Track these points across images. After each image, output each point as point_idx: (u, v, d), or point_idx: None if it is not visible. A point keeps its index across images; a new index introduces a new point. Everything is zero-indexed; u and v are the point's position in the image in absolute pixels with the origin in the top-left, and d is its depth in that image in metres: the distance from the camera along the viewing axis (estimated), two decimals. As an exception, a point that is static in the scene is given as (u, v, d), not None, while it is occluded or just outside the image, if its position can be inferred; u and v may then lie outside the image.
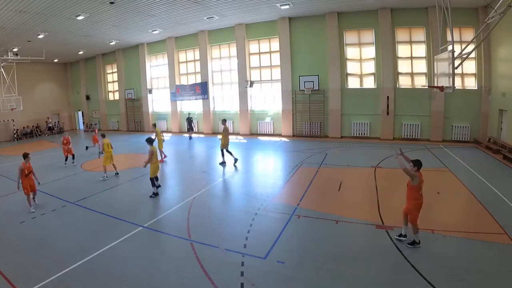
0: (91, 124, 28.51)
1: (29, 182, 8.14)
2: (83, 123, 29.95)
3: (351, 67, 17.41)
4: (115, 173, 11.42)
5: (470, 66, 15.11)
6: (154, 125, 15.39)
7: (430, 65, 15.08)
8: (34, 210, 8.00)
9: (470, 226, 6.37)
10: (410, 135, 16.27)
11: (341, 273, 4.94)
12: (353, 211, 7.30)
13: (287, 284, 4.74)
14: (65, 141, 13.55)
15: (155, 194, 8.86)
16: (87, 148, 16.31)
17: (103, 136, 12.24)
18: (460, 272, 4.76)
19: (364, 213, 7.15)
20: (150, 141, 8.96)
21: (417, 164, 5.53)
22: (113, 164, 11.41)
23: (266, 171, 11.83)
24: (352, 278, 4.80)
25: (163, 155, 13.76)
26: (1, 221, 7.55)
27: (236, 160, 12.21)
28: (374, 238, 6.06)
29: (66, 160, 13.56)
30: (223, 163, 12.30)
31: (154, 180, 8.83)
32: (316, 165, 11.75)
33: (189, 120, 20.38)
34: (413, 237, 5.59)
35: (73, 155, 13.74)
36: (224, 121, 12.79)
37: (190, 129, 20.24)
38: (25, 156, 8.29)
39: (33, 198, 8.43)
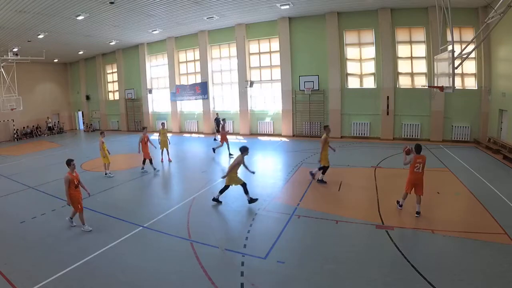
0: (94, 126, 28.49)
1: (80, 196, 6.81)
2: (83, 123, 29.95)
3: (351, 67, 17.40)
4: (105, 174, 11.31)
5: (470, 66, 15.10)
6: (224, 120, 14.70)
7: (430, 65, 15.06)
8: (75, 224, 6.97)
9: (470, 226, 6.37)
10: (410, 135, 16.26)
11: (341, 273, 4.93)
12: (353, 211, 7.29)
13: (287, 284, 4.73)
14: (146, 139, 11.52)
15: (252, 200, 7.81)
16: (214, 150, 13.77)
17: (101, 133, 11.55)
18: (460, 272, 4.76)
19: (364, 213, 7.15)
20: (244, 150, 7.88)
21: (416, 148, 6.91)
22: (107, 164, 11.21)
23: (266, 171, 11.82)
24: (352, 278, 4.80)
25: (168, 157, 13.42)
26: (1, 221, 7.55)
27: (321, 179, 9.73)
28: (374, 238, 6.05)
29: (144, 163, 11.60)
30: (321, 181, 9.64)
31: (245, 186, 7.86)
32: (316, 165, 11.73)
33: (217, 121, 18.73)
34: (401, 200, 7.14)
35: (151, 159, 11.69)
36: (326, 127, 10.19)
37: (218, 131, 18.20)
38: (69, 163, 6.79)
39: (72, 218, 7.01)
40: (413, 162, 6.80)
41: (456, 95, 13.75)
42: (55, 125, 27.91)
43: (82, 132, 28.00)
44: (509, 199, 7.56)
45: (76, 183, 6.71)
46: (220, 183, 10.25)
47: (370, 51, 16.82)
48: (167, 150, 13.31)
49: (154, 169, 11.76)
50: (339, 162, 12.13)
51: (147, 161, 11.58)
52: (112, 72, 27.13)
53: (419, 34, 15.84)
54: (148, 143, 11.67)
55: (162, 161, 13.28)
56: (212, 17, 16.91)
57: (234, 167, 7.80)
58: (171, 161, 13.32)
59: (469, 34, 14.69)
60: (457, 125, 15.36)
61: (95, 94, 28.13)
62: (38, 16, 13.86)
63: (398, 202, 7.28)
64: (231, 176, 7.84)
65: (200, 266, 5.19)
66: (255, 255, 5.50)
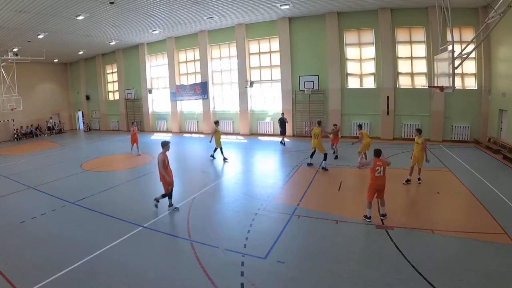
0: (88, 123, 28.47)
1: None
2: (83, 123, 29.96)
3: (351, 67, 17.40)
4: None
5: (470, 66, 15.10)
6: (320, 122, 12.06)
7: (430, 65, 15.07)
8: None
9: (470, 226, 6.37)
10: (410, 135, 16.22)
11: (341, 273, 4.93)
12: (353, 211, 7.28)
13: (287, 284, 4.73)
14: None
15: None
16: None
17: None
18: (460, 272, 4.76)
19: (364, 213, 7.13)
20: (419, 131, 9.26)
21: (375, 152, 6.76)
22: None
23: (266, 171, 11.82)
24: (352, 278, 4.80)
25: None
26: (1, 221, 7.54)
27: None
28: (374, 238, 6.05)
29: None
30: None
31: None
32: (316, 165, 11.75)
33: (282, 121, 16.45)
34: (368, 211, 6.67)
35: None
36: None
37: (283, 133, 16.45)
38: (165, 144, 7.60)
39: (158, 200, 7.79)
40: (373, 166, 6.60)
41: (456, 95, 13.74)
42: (55, 125, 27.91)
43: (82, 132, 27.99)
44: (509, 199, 7.56)
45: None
46: (219, 183, 10.24)
47: (370, 51, 16.81)
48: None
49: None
50: (339, 162, 12.15)
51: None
52: (112, 72, 27.12)
53: (419, 34, 15.84)
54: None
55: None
56: (212, 17, 16.91)
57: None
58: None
59: (469, 34, 14.69)
60: (457, 125, 15.36)
61: (95, 94, 28.11)
62: (38, 16, 13.85)
63: (365, 216, 6.71)
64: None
65: (200, 266, 5.19)
66: (255, 255, 5.50)
